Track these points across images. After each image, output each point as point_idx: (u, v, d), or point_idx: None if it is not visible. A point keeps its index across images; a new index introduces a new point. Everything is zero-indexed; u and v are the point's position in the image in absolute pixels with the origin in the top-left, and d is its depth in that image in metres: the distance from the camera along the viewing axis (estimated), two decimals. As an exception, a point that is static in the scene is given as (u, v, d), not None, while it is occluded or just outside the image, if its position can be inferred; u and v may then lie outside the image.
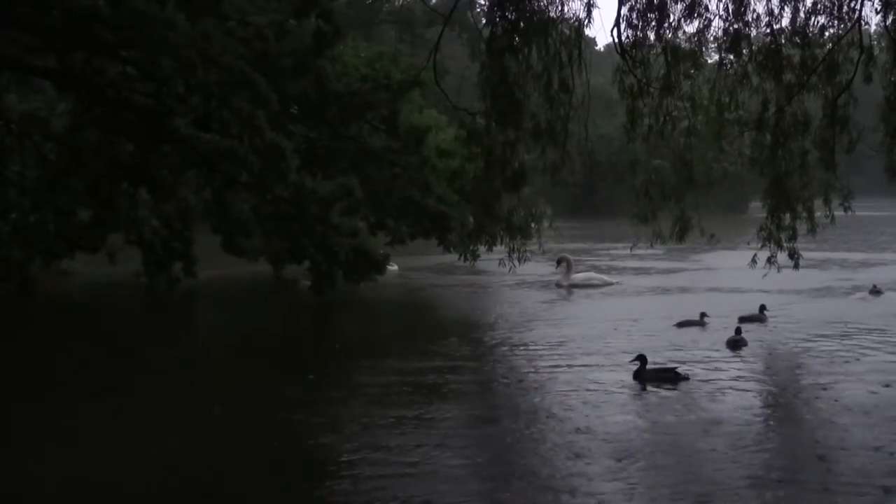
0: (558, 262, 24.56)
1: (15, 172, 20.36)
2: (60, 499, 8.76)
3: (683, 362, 14.01)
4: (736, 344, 15.75)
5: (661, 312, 19.40)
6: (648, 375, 13.08)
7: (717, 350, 15.36)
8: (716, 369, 13.94)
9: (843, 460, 9.48)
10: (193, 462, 9.76)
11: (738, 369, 14.00)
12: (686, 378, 13.07)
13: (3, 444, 10.31)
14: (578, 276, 24.58)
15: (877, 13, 12.55)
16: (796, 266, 14.27)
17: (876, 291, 22.47)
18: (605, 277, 25.06)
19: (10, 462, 9.67)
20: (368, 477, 9.03)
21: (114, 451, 10.07)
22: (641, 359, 13.27)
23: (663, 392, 12.54)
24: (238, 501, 8.64)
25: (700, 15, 12.46)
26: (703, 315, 17.87)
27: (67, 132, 19.18)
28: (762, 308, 18.60)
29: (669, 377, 13.06)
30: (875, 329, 17.12)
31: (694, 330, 17.34)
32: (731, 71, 12.89)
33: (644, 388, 12.72)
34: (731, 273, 24.26)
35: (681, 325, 17.66)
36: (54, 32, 17.23)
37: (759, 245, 13.86)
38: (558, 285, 24.08)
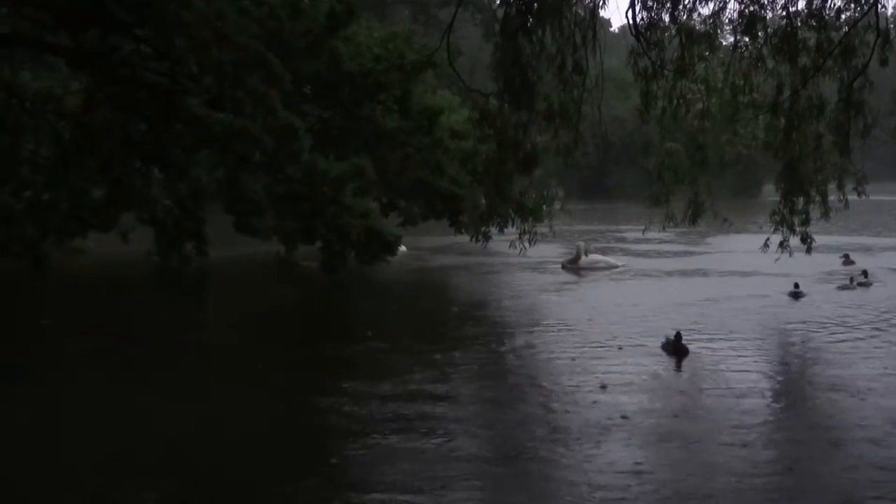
0: (576, 249, 24.68)
1: (28, 150, 20.41)
2: (76, 475, 8.83)
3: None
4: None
5: (664, 294, 19.46)
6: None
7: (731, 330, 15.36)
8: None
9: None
10: (204, 440, 9.82)
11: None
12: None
13: (24, 423, 10.42)
14: (584, 259, 24.64)
15: (895, -4, 12.43)
16: (808, 250, 14.26)
17: (850, 262, 24.20)
18: (611, 260, 25.11)
19: (28, 441, 9.76)
20: (377, 456, 9.08)
21: (129, 425, 10.14)
22: (677, 336, 13.49)
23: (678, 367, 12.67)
24: (248, 481, 8.69)
25: (715, -3, 12.41)
26: (865, 272, 20.63)
27: (81, 110, 19.21)
28: (865, 273, 20.73)
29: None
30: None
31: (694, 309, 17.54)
32: (745, 53, 12.82)
33: (680, 365, 12.84)
34: (743, 256, 24.19)
35: (841, 288, 19.87)
36: (68, 10, 17.24)
37: (772, 229, 13.84)
38: (564, 267, 24.15)
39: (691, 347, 13.55)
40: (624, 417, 10.26)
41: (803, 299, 18.71)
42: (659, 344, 13.74)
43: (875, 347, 14.33)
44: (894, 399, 11.13)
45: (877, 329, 15.71)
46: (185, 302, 20.00)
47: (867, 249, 28.89)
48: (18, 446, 9.59)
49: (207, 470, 8.89)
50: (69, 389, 11.94)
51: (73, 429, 10.32)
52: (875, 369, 12.67)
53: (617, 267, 24.44)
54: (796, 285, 19.03)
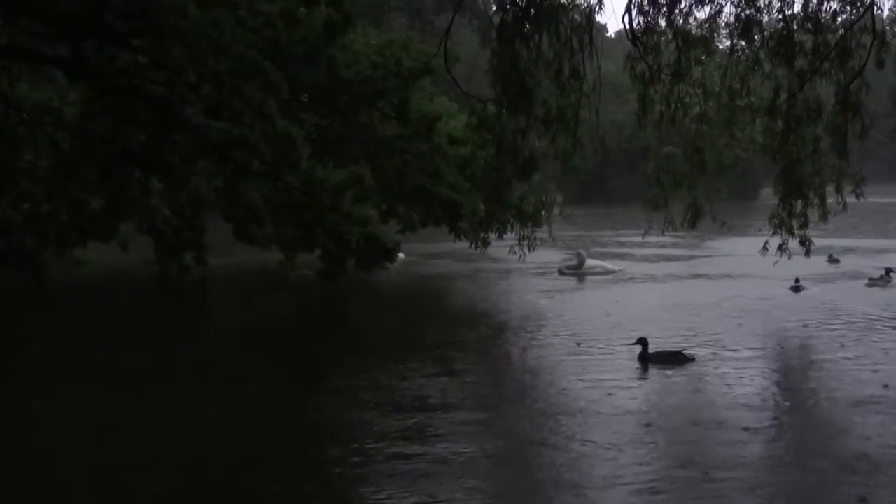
0: (577, 257, 24.74)
1: (27, 161, 20.39)
2: (75, 489, 8.83)
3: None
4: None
5: (658, 299, 19.56)
6: (654, 358, 13.17)
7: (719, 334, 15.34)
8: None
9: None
10: (201, 453, 9.79)
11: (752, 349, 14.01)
12: (692, 359, 13.16)
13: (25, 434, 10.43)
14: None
15: (890, -2, 12.49)
16: (808, 253, 14.29)
17: (834, 260, 24.86)
18: (607, 265, 25.19)
19: (32, 447, 9.77)
20: (378, 461, 9.08)
21: (130, 439, 10.13)
22: (642, 342, 13.35)
23: (666, 374, 12.63)
24: (250, 491, 8.68)
25: (712, 1, 12.49)
26: (888, 270, 21.05)
27: (79, 121, 19.20)
28: (888, 270, 21.13)
29: (674, 359, 13.14)
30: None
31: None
32: (742, 57, 12.89)
33: (646, 370, 12.83)
34: (742, 260, 24.25)
35: (870, 284, 20.81)
36: (65, 21, 17.25)
37: (771, 232, 13.86)
38: (561, 273, 24.26)
39: (686, 353, 13.53)
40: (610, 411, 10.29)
41: (805, 292, 19.57)
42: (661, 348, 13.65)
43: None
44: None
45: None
46: (184, 311, 19.99)
47: (865, 251, 28.99)
48: (15, 447, 9.61)
49: (204, 476, 8.89)
50: (64, 396, 11.94)
51: (68, 436, 10.31)
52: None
53: (614, 272, 24.51)
54: (797, 280, 19.94)
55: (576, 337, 15.39)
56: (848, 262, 25.30)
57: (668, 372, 12.69)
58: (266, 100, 16.70)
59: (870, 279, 21.28)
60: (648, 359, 13.14)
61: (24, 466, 9.19)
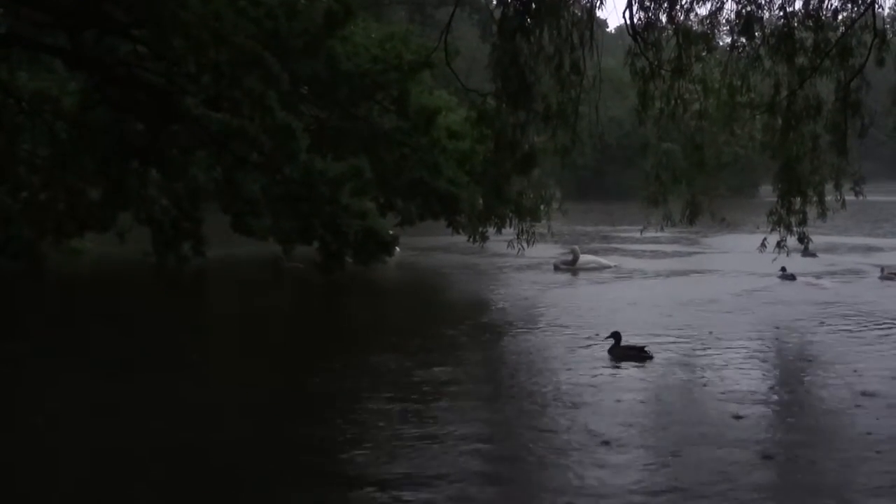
0: (571, 253, 24.75)
1: (25, 150, 20.40)
2: (72, 471, 8.83)
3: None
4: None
5: (650, 294, 19.56)
6: (618, 352, 13.21)
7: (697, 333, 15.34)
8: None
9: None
10: (195, 444, 9.78)
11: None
12: (650, 357, 13.14)
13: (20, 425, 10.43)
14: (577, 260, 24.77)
15: (891, -3, 12.50)
16: (806, 250, 14.29)
17: (810, 254, 24.10)
18: (603, 261, 25.17)
19: (29, 440, 9.77)
20: (375, 456, 9.10)
21: (127, 429, 10.13)
22: (615, 336, 13.38)
23: (636, 368, 12.70)
24: (250, 485, 8.69)
25: (713, -3, 12.47)
26: None
27: (78, 111, 19.21)
28: None
29: (635, 355, 13.16)
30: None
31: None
32: (743, 54, 12.87)
33: (618, 364, 12.86)
34: (739, 256, 24.27)
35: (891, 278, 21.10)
36: (65, 10, 17.25)
37: (769, 229, 13.87)
38: (556, 268, 24.23)
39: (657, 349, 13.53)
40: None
41: (810, 287, 19.89)
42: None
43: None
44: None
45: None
46: (181, 302, 19.96)
47: (851, 247, 29.08)
48: (12, 443, 9.62)
49: (201, 471, 8.89)
50: (55, 389, 11.93)
51: (63, 427, 10.31)
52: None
53: (609, 267, 24.50)
54: (783, 269, 19.95)
55: (561, 330, 15.44)
56: (845, 260, 25.32)
57: (635, 366, 12.75)
58: (266, 91, 16.70)
59: (885, 275, 21.31)
60: (615, 353, 13.20)
61: (23, 462, 9.18)
